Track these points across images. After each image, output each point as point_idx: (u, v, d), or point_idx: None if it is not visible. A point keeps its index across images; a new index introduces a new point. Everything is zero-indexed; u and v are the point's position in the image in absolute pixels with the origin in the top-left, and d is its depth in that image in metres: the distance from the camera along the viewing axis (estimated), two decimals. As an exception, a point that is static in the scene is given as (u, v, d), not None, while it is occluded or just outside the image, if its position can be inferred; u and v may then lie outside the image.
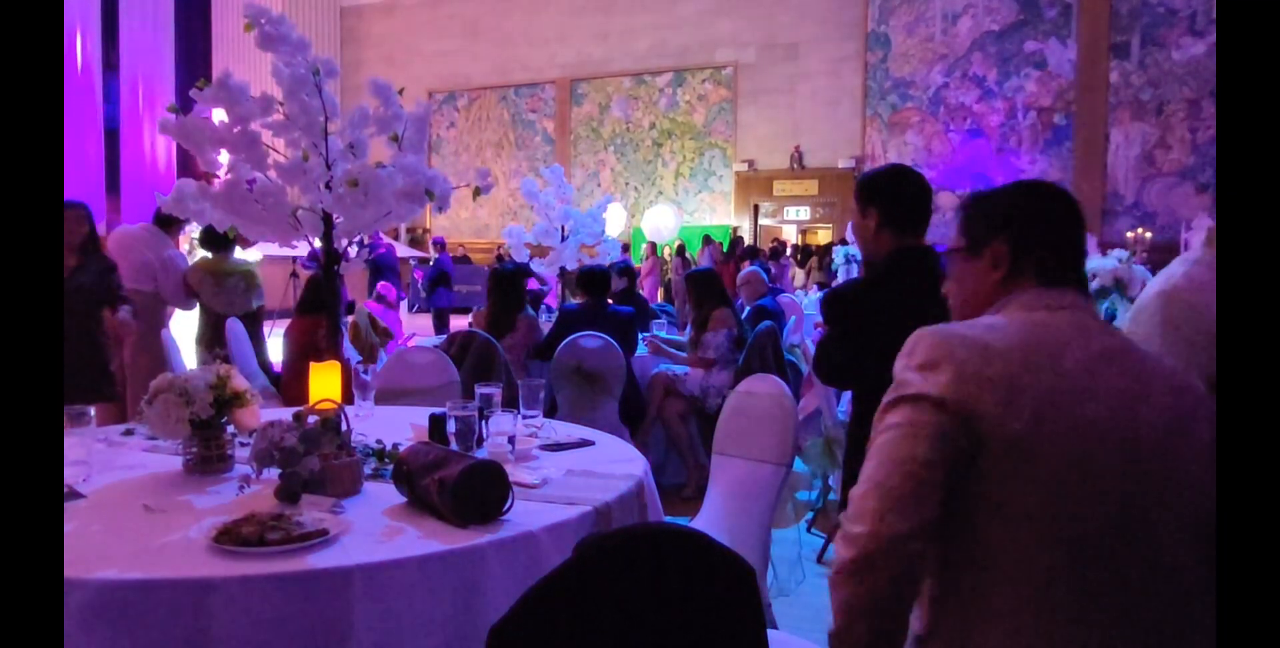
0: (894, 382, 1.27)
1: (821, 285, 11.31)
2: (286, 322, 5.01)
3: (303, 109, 2.74)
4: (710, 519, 2.85)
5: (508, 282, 5.17)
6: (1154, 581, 1.18)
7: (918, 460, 1.18)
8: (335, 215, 2.85)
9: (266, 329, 5.62)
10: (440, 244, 14.58)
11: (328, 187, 2.75)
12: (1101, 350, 1.26)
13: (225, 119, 2.74)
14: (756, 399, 2.83)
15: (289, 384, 4.60)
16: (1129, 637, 1.17)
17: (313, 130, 2.78)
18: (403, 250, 14.23)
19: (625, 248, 13.19)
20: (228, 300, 5.00)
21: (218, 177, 2.79)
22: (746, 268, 7.45)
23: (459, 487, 1.79)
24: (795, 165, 17.73)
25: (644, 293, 10.44)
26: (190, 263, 5.20)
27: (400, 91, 2.95)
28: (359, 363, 3.64)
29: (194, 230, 8.03)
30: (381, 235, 12.18)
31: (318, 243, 2.90)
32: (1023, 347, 1.24)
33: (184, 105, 2.85)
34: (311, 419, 2.10)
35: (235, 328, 4.79)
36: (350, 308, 6.34)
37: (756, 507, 2.71)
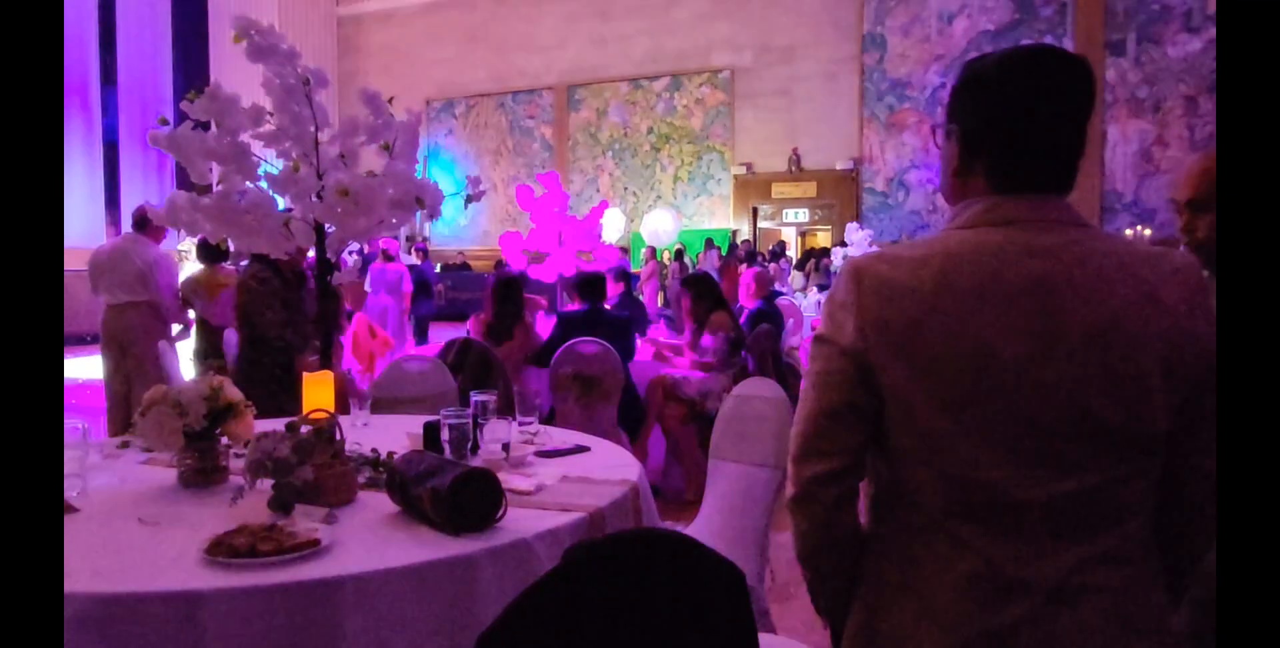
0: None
1: (821, 287, 11.30)
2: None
3: (293, 119, 2.74)
4: (708, 524, 2.85)
5: (507, 288, 5.17)
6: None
7: (825, 412, 1.22)
8: (327, 225, 2.85)
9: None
10: (423, 252, 14.34)
11: (319, 197, 2.75)
12: (1025, 283, 1.13)
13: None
14: (752, 403, 2.82)
15: (288, 394, 4.59)
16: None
17: (304, 140, 2.78)
18: (404, 260, 14.19)
19: (624, 252, 13.20)
20: (222, 311, 5.04)
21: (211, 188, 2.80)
22: (745, 270, 7.45)
23: (451, 495, 1.79)
24: (793, 168, 17.73)
25: (643, 297, 10.45)
26: (180, 269, 5.23)
27: (390, 100, 2.96)
28: (360, 372, 3.65)
29: (187, 240, 8.04)
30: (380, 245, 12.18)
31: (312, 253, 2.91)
32: (935, 282, 1.16)
33: (181, 117, 2.86)
34: (305, 429, 2.10)
35: (233, 339, 4.79)
36: (349, 317, 6.34)
37: (754, 511, 2.71)
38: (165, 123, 2.71)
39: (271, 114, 2.79)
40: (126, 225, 15.10)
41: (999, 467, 1.14)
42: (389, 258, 10.17)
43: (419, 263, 11.56)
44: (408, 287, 9.69)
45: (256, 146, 2.82)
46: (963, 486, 1.16)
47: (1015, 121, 1.20)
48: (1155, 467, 1.18)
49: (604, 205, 7.90)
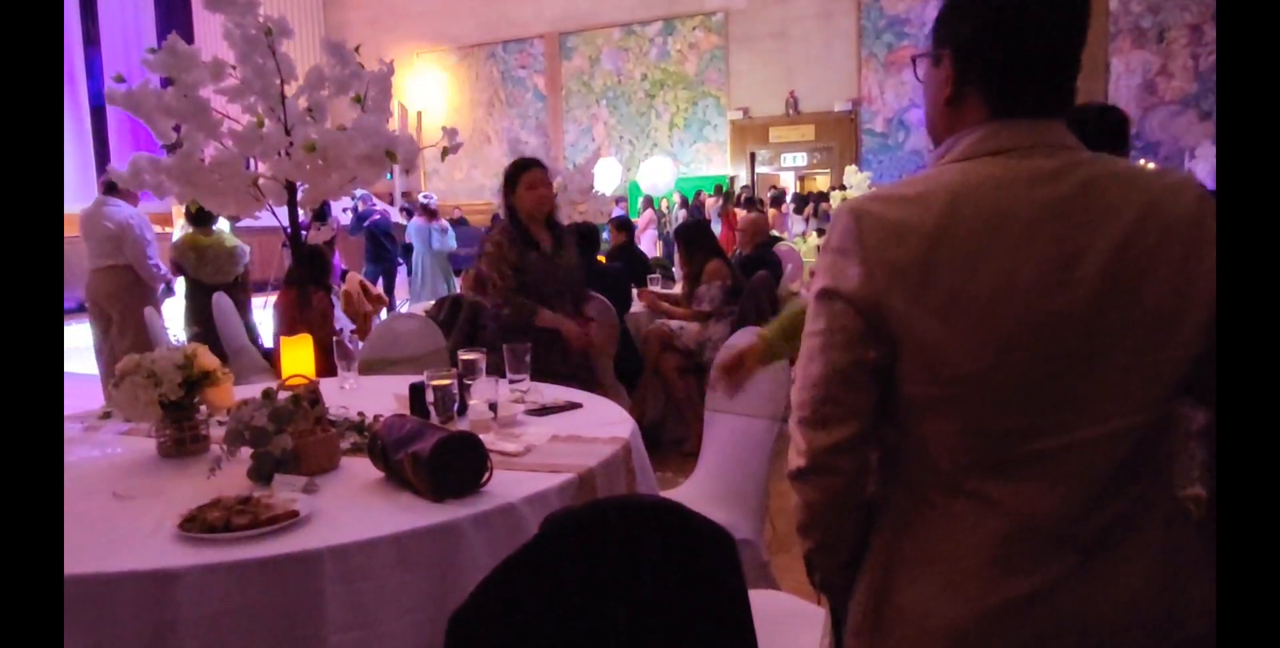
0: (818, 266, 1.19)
1: (820, 232, 11.16)
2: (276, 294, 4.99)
3: (257, 72, 2.62)
4: (707, 476, 2.80)
5: None
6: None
7: (833, 374, 1.13)
8: (298, 183, 2.75)
9: (261, 301, 5.60)
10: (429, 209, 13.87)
11: (287, 153, 2.64)
12: (1034, 212, 1.07)
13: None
14: None
15: (280, 358, 4.54)
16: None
17: (269, 94, 2.66)
18: (397, 216, 14.02)
19: (620, 202, 13.04)
20: (214, 269, 5.07)
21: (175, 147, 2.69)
22: (741, 215, 7.34)
23: (433, 461, 1.72)
24: (791, 111, 17.45)
25: (641, 247, 10.32)
26: (152, 228, 5.20)
27: (357, 49, 2.83)
28: (352, 332, 3.58)
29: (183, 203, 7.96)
30: (375, 201, 12.04)
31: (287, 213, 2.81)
32: (940, 219, 1.08)
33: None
34: (283, 395, 2.03)
35: (222, 302, 4.73)
36: (343, 276, 6.27)
37: (753, 462, 2.66)
38: (121, 80, 2.59)
39: (234, 67, 2.67)
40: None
41: (1020, 414, 1.07)
42: (431, 214, 10.17)
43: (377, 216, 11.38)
44: (453, 243, 9.80)
45: (220, 103, 2.71)
46: (984, 436, 1.09)
47: (1012, 37, 1.11)
48: (1171, 410, 1.11)
49: (598, 153, 7.77)
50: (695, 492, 2.72)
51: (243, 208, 2.73)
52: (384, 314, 6.39)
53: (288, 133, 2.67)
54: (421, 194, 10.64)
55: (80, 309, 9.70)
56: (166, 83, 2.73)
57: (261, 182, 2.72)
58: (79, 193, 14.60)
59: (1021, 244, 1.06)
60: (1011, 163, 1.10)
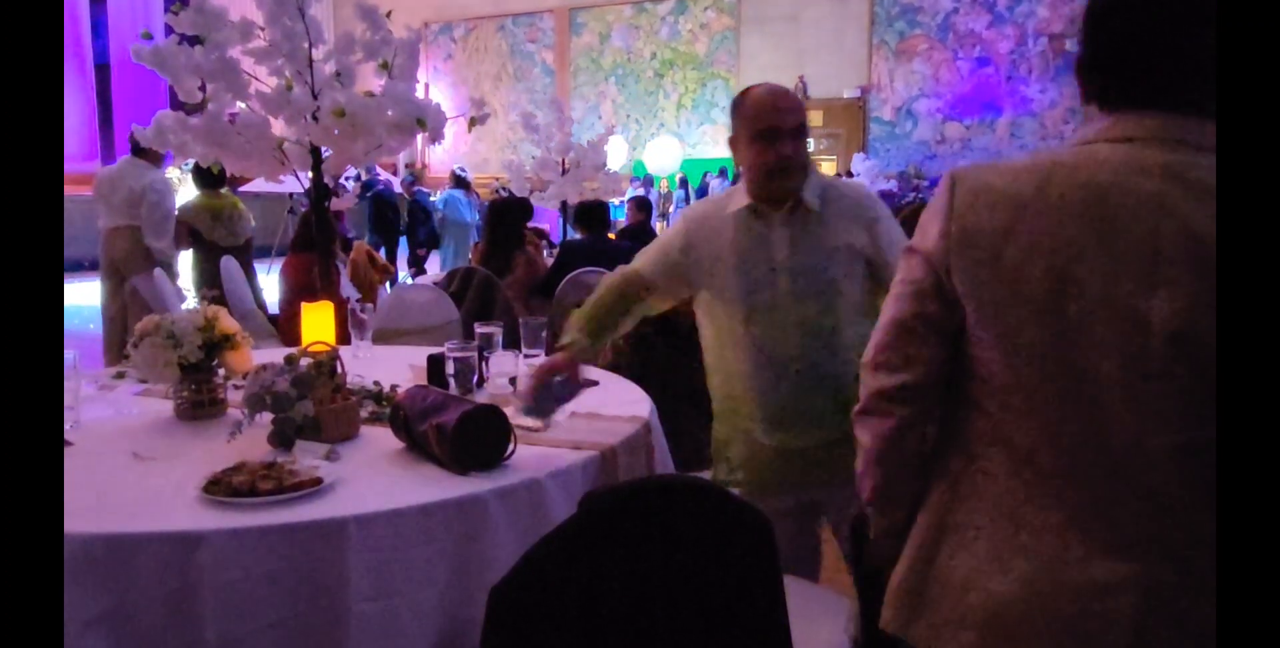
0: None
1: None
2: (281, 260, 4.98)
3: (285, 35, 2.58)
4: None
5: (504, 216, 5.02)
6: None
7: (897, 322, 1.17)
8: (323, 148, 2.72)
9: (264, 268, 5.58)
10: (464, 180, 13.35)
11: (314, 118, 2.62)
12: (1131, 203, 1.02)
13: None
14: None
15: (286, 323, 4.52)
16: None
17: (297, 58, 2.63)
18: (398, 186, 13.96)
19: (634, 181, 12.97)
20: (227, 231, 5.09)
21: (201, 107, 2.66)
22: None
23: (458, 433, 1.71)
24: (800, 95, 17.37)
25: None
26: (175, 197, 5.18)
27: (388, 15, 2.80)
28: (357, 301, 3.56)
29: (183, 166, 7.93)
30: (379, 170, 11.99)
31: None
32: (1034, 190, 1.07)
33: (166, 34, 2.71)
34: (304, 361, 2.02)
35: (230, 266, 4.72)
36: (347, 245, 6.25)
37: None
38: (149, 37, 2.56)
39: (263, 29, 2.64)
40: (121, 149, 14.93)
41: (1070, 419, 1.05)
42: (465, 185, 10.22)
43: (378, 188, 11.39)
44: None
45: (248, 64, 2.68)
46: (1040, 416, 1.07)
47: (1117, 28, 1.10)
48: None
49: (610, 130, 7.73)
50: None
51: (267, 171, 2.70)
52: (388, 285, 6.38)
53: (315, 97, 2.64)
54: (457, 167, 10.65)
55: (80, 268, 9.69)
56: (186, 42, 2.70)
57: (286, 145, 2.69)
58: (83, 151, 14.52)
59: (1101, 231, 1.02)
60: (1131, 150, 1.06)
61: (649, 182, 15.14)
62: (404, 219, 10.89)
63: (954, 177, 1.14)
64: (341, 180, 2.80)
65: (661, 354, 2.37)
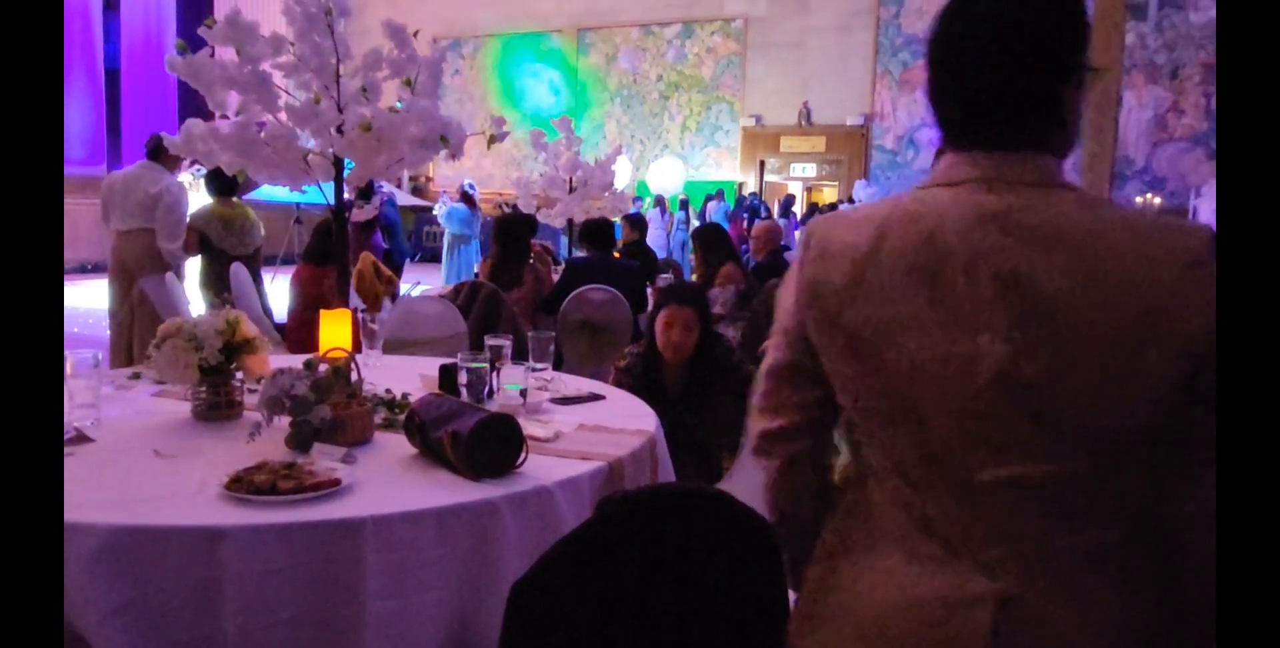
0: None
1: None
2: (288, 268, 5.03)
3: (314, 50, 2.66)
4: (744, 479, 2.83)
5: (511, 231, 5.08)
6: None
7: (772, 369, 1.21)
8: (347, 160, 2.79)
9: (269, 276, 5.63)
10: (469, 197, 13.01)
11: (340, 131, 2.69)
12: (960, 251, 1.00)
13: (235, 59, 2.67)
14: None
15: (294, 332, 4.58)
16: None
17: (324, 72, 2.70)
18: (402, 198, 14.05)
19: (638, 201, 13.06)
20: (238, 239, 5.15)
21: (226, 117, 2.73)
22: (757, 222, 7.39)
23: (473, 440, 1.77)
24: (803, 121, 17.53)
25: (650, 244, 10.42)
26: (189, 202, 5.23)
27: (415, 34, 2.88)
28: (363, 311, 3.61)
29: (193, 173, 7.99)
30: (383, 183, 12.05)
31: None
32: (871, 243, 1.06)
33: (189, 44, 2.78)
34: (322, 367, 2.07)
35: (240, 273, 4.77)
36: (390, 258, 6.33)
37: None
38: (184, 49, 2.63)
39: (292, 44, 2.71)
40: (129, 154, 14.96)
41: (915, 458, 1.07)
42: (470, 201, 10.31)
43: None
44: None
45: (276, 77, 2.75)
46: (898, 456, 1.10)
47: (962, 65, 1.05)
48: (1122, 471, 1.01)
49: (617, 150, 7.81)
50: (730, 490, 2.77)
51: (292, 181, 2.77)
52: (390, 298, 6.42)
53: (340, 111, 2.71)
54: (467, 183, 10.75)
55: (92, 270, 9.71)
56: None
57: (310, 157, 2.76)
58: (89, 156, 14.59)
59: (933, 283, 1.02)
60: (962, 194, 1.04)
61: (660, 202, 15.18)
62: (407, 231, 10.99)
63: (809, 229, 1.16)
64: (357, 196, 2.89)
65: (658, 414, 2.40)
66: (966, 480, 1.04)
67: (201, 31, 2.66)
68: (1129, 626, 1.02)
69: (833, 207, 15.18)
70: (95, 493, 1.64)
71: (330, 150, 2.71)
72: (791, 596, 1.32)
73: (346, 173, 2.86)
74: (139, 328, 4.54)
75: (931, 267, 1.02)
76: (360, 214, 3.09)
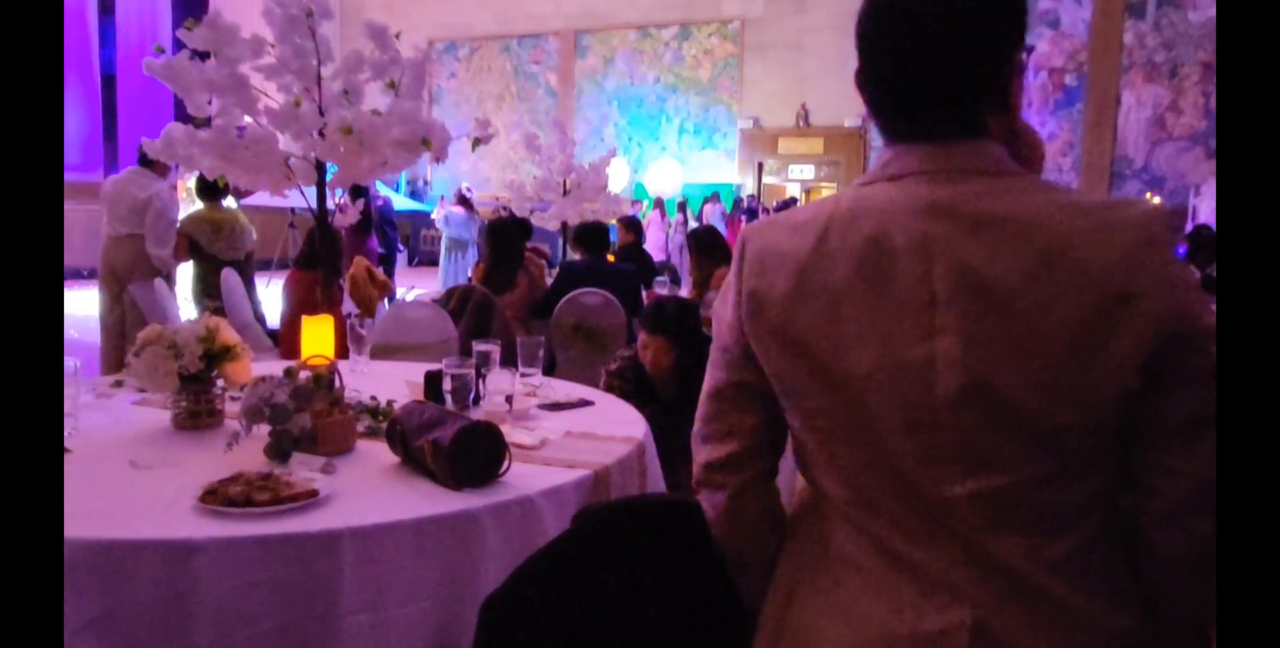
0: None
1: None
2: (281, 273, 5.00)
3: (295, 52, 2.63)
4: None
5: (502, 235, 5.04)
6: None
7: (714, 392, 1.14)
8: (329, 164, 2.76)
9: (263, 281, 5.60)
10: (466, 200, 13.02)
11: (321, 134, 2.65)
12: (908, 247, 0.96)
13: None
14: None
15: (286, 337, 4.54)
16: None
17: (306, 75, 2.67)
18: (398, 202, 14.04)
19: (636, 205, 13.04)
20: (227, 244, 5.12)
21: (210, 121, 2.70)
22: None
23: (454, 449, 1.73)
24: (801, 123, 17.50)
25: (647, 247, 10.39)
26: (179, 207, 5.21)
27: (397, 35, 2.84)
28: (356, 316, 3.58)
29: (189, 178, 7.97)
30: (378, 187, 12.03)
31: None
32: (812, 247, 1.00)
33: (178, 47, 2.75)
34: (303, 374, 2.04)
35: (231, 279, 4.74)
36: (384, 259, 6.30)
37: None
38: (161, 51, 2.60)
39: (273, 46, 2.68)
40: (125, 159, 14.94)
41: (872, 476, 1.02)
42: (467, 204, 10.30)
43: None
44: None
45: (256, 80, 2.72)
46: (854, 479, 1.04)
47: (894, 49, 1.00)
48: (1089, 469, 0.97)
49: (612, 153, 7.79)
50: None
51: (274, 186, 2.73)
52: (386, 302, 6.40)
53: (322, 114, 2.68)
54: (464, 186, 10.75)
55: (81, 276, 9.69)
56: (196, 57, 2.73)
57: (292, 161, 2.72)
58: (87, 162, 14.56)
59: (883, 282, 0.97)
60: (906, 187, 0.99)
61: (661, 205, 15.13)
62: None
63: (744, 237, 1.10)
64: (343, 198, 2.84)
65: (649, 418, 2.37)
66: (931, 499, 0.98)
67: (180, 34, 2.63)
68: (1115, 640, 0.98)
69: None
70: (68, 505, 1.59)
71: (312, 154, 2.68)
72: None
73: (329, 177, 2.83)
74: (129, 334, 4.51)
75: (878, 266, 0.97)
76: (344, 218, 3.05)
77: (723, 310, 1.12)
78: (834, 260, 0.99)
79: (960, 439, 0.95)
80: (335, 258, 3.37)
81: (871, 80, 1.03)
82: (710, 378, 1.14)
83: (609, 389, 2.88)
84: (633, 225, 6.66)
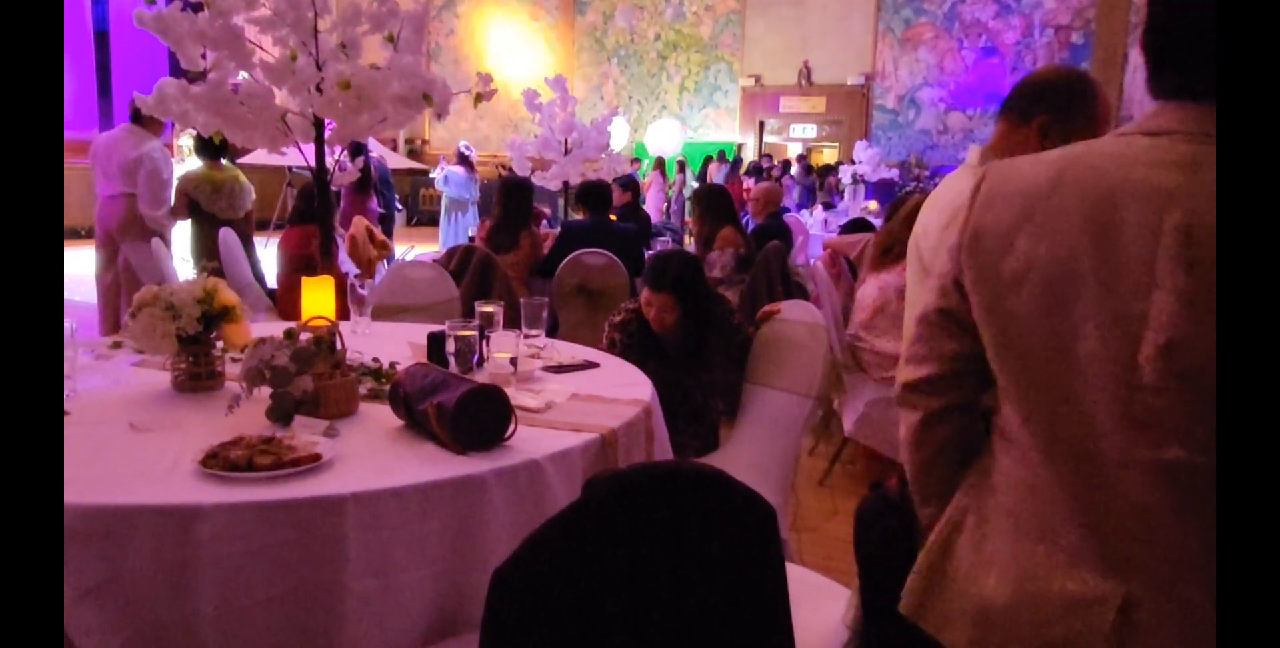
0: None
1: (826, 206, 11.05)
2: (278, 233, 4.94)
3: (290, 3, 2.54)
4: (738, 449, 2.79)
5: (515, 194, 4.98)
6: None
7: (922, 316, 1.19)
8: (327, 120, 2.69)
9: (262, 241, 5.54)
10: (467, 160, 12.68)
11: (319, 89, 2.58)
12: (1139, 195, 0.94)
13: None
14: (792, 327, 2.74)
15: (284, 297, 4.50)
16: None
17: (302, 27, 2.59)
18: (397, 161, 13.87)
19: (635, 163, 12.92)
20: (228, 203, 5.03)
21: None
22: (752, 183, 7.28)
23: (458, 412, 1.70)
24: (803, 81, 17.28)
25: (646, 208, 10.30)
26: (172, 166, 5.12)
27: (395, -13, 2.76)
28: (356, 276, 3.53)
29: (183, 136, 7.87)
30: (374, 145, 11.89)
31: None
32: (1048, 185, 1.02)
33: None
34: (304, 336, 2.00)
35: (229, 238, 4.68)
36: (383, 219, 6.23)
37: (785, 439, 2.66)
38: (152, 2, 2.52)
39: (267, -4, 2.60)
40: (120, 117, 14.77)
41: (1061, 428, 1.02)
42: (468, 163, 10.18)
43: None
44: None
45: (251, 32, 2.64)
46: (1051, 438, 1.04)
47: (1166, 11, 1.01)
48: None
49: (613, 111, 7.68)
50: (726, 461, 2.71)
51: (269, 142, 2.67)
52: (386, 262, 6.34)
53: (319, 68, 2.60)
54: (463, 145, 10.60)
55: (78, 236, 9.61)
56: (189, 9, 2.65)
57: (289, 117, 2.65)
58: (79, 119, 14.38)
59: (1104, 228, 0.96)
60: (1157, 142, 0.98)
61: (661, 165, 14.95)
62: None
63: (981, 173, 1.12)
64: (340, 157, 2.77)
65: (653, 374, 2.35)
66: (1108, 461, 0.97)
67: (170, -17, 2.55)
68: None
69: (831, 168, 14.94)
70: (67, 470, 1.57)
71: (309, 110, 2.61)
72: (802, 571, 1.26)
73: (327, 133, 2.76)
74: (125, 295, 4.46)
75: (1108, 215, 0.96)
76: (343, 177, 2.98)
77: (948, 237, 1.14)
78: (1066, 199, 1.00)
79: (1160, 405, 0.94)
80: (330, 214, 3.30)
81: (1158, 33, 1.02)
82: (921, 302, 1.19)
83: (611, 343, 2.85)
84: (630, 185, 6.58)
